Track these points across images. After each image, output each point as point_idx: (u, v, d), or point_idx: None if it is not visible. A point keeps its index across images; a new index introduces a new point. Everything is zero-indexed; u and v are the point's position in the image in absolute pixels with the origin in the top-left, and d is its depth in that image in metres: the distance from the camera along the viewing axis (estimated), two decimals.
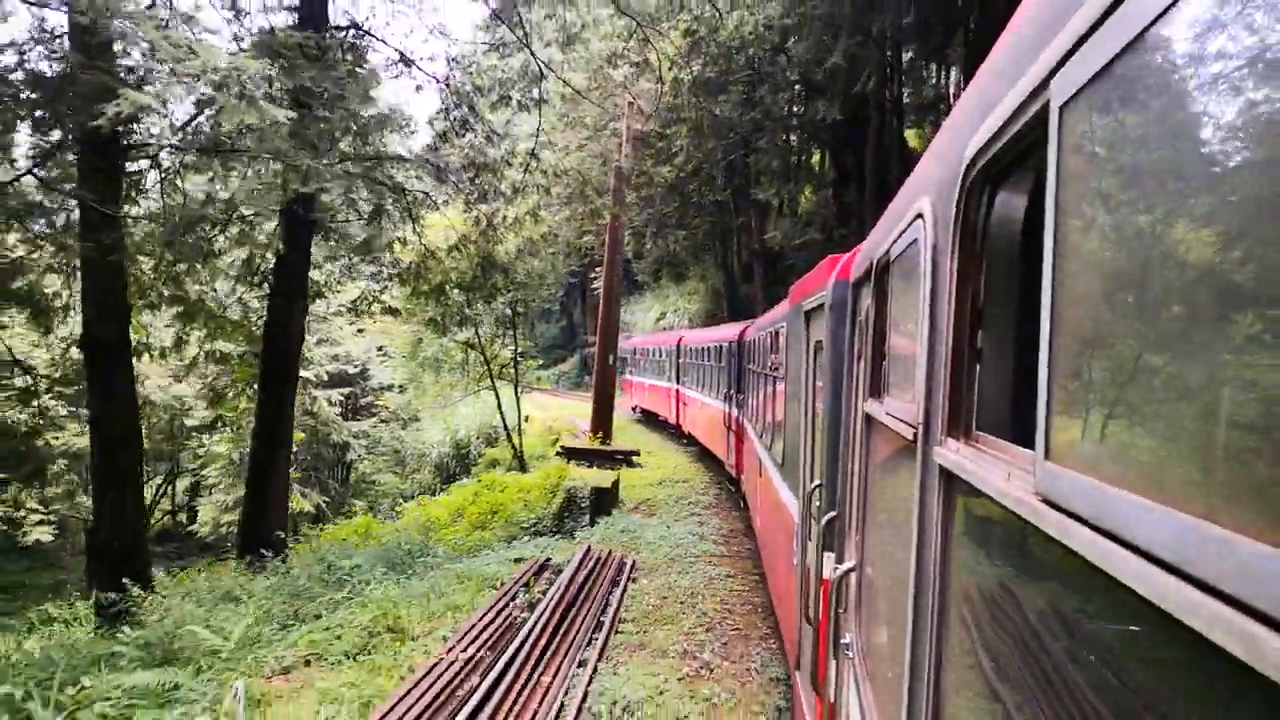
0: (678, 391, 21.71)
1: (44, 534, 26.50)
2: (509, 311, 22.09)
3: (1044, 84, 1.10)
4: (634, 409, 30.88)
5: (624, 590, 8.44)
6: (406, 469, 30.48)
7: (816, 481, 4.80)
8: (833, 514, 4.09)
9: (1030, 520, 1.04)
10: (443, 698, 5.74)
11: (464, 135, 16.24)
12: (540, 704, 5.71)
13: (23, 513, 25.93)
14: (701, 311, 35.26)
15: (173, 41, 7.91)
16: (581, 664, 6.49)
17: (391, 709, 5.50)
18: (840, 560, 3.78)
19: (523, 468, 21.60)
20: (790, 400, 6.52)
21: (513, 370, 23.68)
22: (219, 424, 22.64)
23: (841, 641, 3.27)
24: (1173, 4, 0.76)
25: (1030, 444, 1.10)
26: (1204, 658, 0.64)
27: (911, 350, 2.01)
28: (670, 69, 19.92)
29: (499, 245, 17.51)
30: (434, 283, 17.13)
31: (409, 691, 5.77)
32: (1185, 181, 0.79)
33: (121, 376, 12.17)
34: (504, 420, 22.70)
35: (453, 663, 6.27)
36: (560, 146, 21.00)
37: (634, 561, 9.64)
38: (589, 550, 9.67)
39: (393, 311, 19.19)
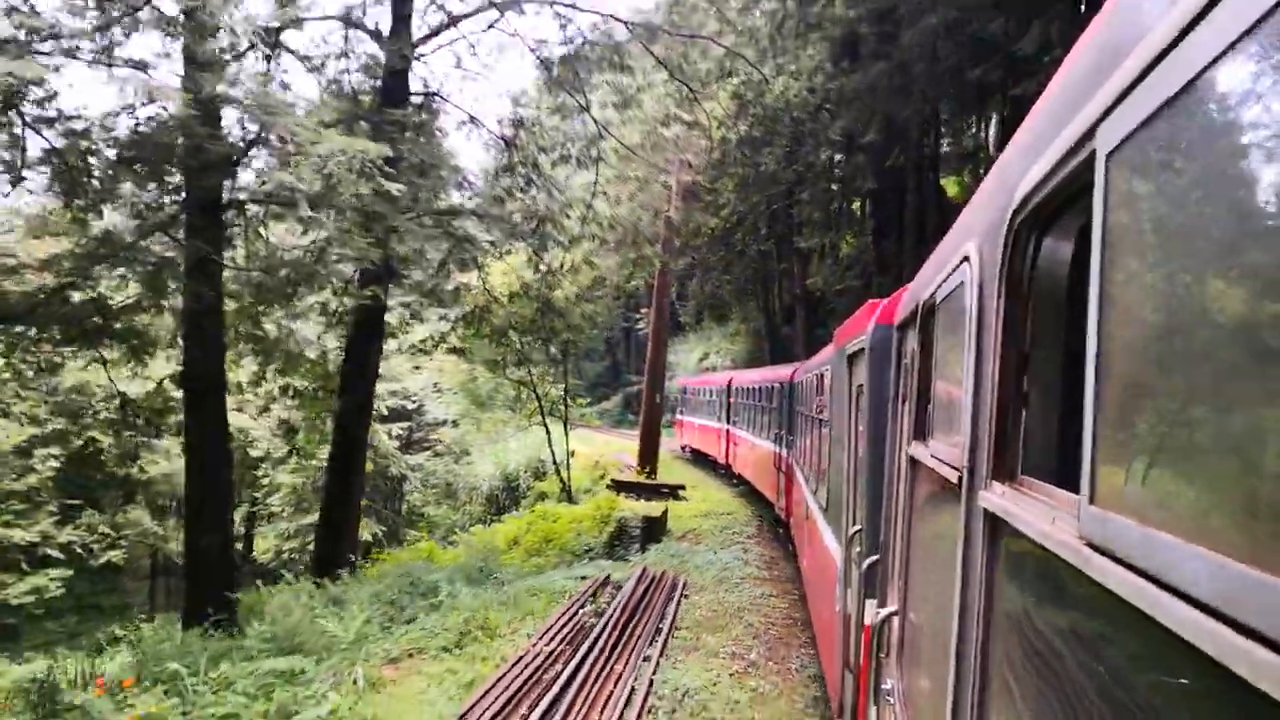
0: (728, 432, 21.70)
1: (117, 557, 28.10)
2: (559, 352, 23.42)
3: (1090, 132, 1.12)
4: (683, 448, 30.72)
5: (678, 604, 9.49)
6: (459, 501, 31.70)
7: (857, 526, 4.84)
8: (875, 558, 4.10)
9: (1074, 564, 1.06)
10: (533, 680, 6.85)
11: (528, 190, 17.69)
12: (615, 687, 6.79)
13: (94, 536, 27.57)
14: (743, 353, 36.35)
15: (304, 126, 9.37)
16: (646, 659, 7.56)
17: (491, 688, 6.61)
18: (882, 605, 3.78)
19: (570, 500, 22.70)
20: (835, 444, 6.60)
21: (562, 407, 24.94)
22: (291, 455, 24.14)
23: (883, 688, 3.24)
24: (1219, 58, 0.78)
25: (1075, 488, 1.11)
26: (1250, 704, 0.64)
27: (957, 392, 2.02)
28: (719, 128, 21.29)
29: (557, 290, 18.88)
30: (494, 325, 18.51)
31: (504, 675, 6.88)
32: (1230, 233, 0.81)
33: (217, 409, 13.50)
34: (553, 455, 23.88)
35: (538, 654, 7.38)
36: (612, 198, 22.41)
37: (685, 581, 10.68)
38: (645, 570, 10.74)
39: (457, 351, 20.57)
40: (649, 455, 22.88)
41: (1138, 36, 0.97)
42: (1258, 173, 0.77)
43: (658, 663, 7.44)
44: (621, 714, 6.25)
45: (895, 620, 3.18)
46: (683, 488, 19.84)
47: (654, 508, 15.55)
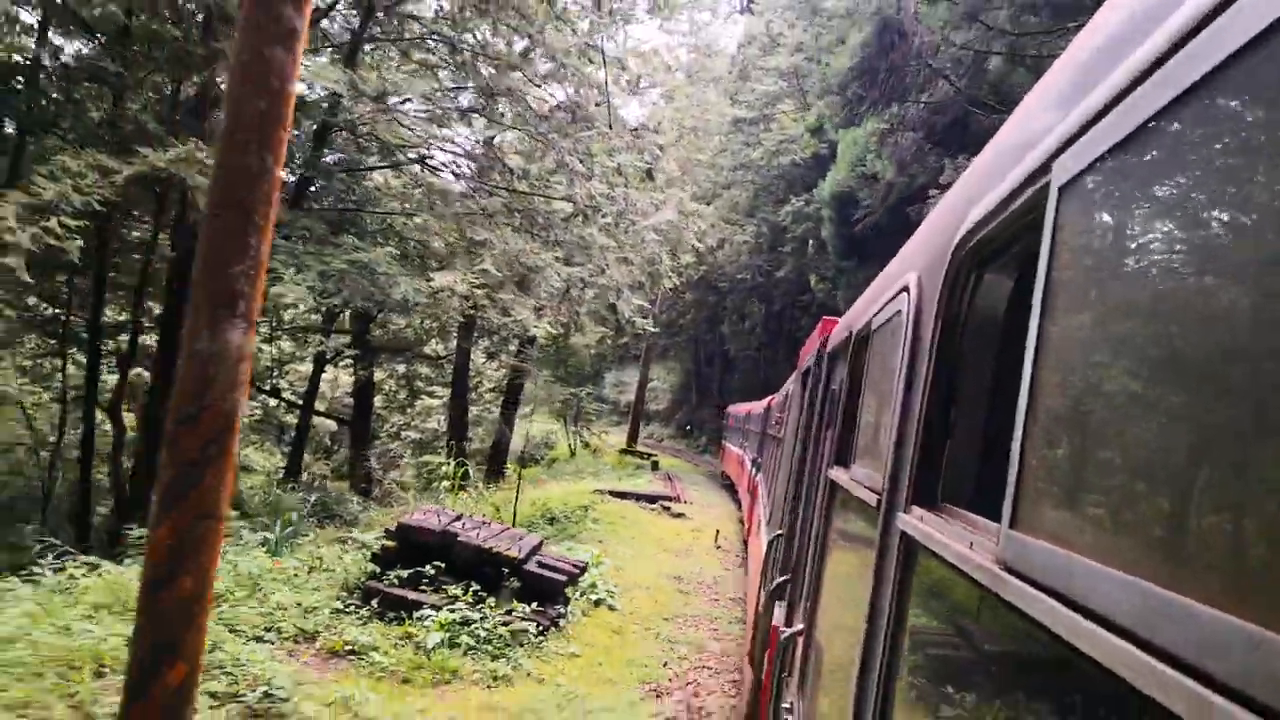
0: (752, 459, 19.57)
1: None
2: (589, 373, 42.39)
3: (1045, 165, 1.14)
4: (723, 475, 30.67)
5: (678, 480, 28.76)
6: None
7: (777, 531, 5.04)
8: (784, 578, 4.17)
9: (990, 586, 1.06)
10: (657, 479, 26.07)
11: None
12: (673, 488, 26.03)
13: None
14: (676, 385, 55.91)
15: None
16: (677, 482, 26.82)
17: (650, 483, 25.79)
18: (789, 624, 3.82)
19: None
20: (782, 459, 7.04)
21: (575, 405, 43.75)
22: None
23: (783, 706, 3.24)
24: (1179, 98, 0.79)
25: (994, 516, 1.11)
26: None
27: (883, 418, 2.03)
28: (687, 268, 40.82)
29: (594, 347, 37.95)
30: (567, 363, 37.54)
31: (651, 480, 26.09)
32: (1170, 272, 0.84)
33: (464, 375, 31.88)
34: (568, 432, 42.49)
35: (651, 479, 26.57)
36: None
37: (679, 477, 29.94)
38: (663, 472, 29.98)
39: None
40: (634, 437, 42.19)
41: (1103, 71, 0.98)
42: (1208, 217, 0.79)
43: (680, 485, 26.63)
44: (677, 494, 25.36)
45: (800, 640, 3.18)
46: (655, 454, 38.82)
47: (650, 459, 34.77)
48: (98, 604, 7.00)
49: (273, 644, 7.27)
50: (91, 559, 8.09)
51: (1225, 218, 0.76)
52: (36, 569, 7.73)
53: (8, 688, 5.35)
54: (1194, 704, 0.59)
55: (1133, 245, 0.93)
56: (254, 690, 5.94)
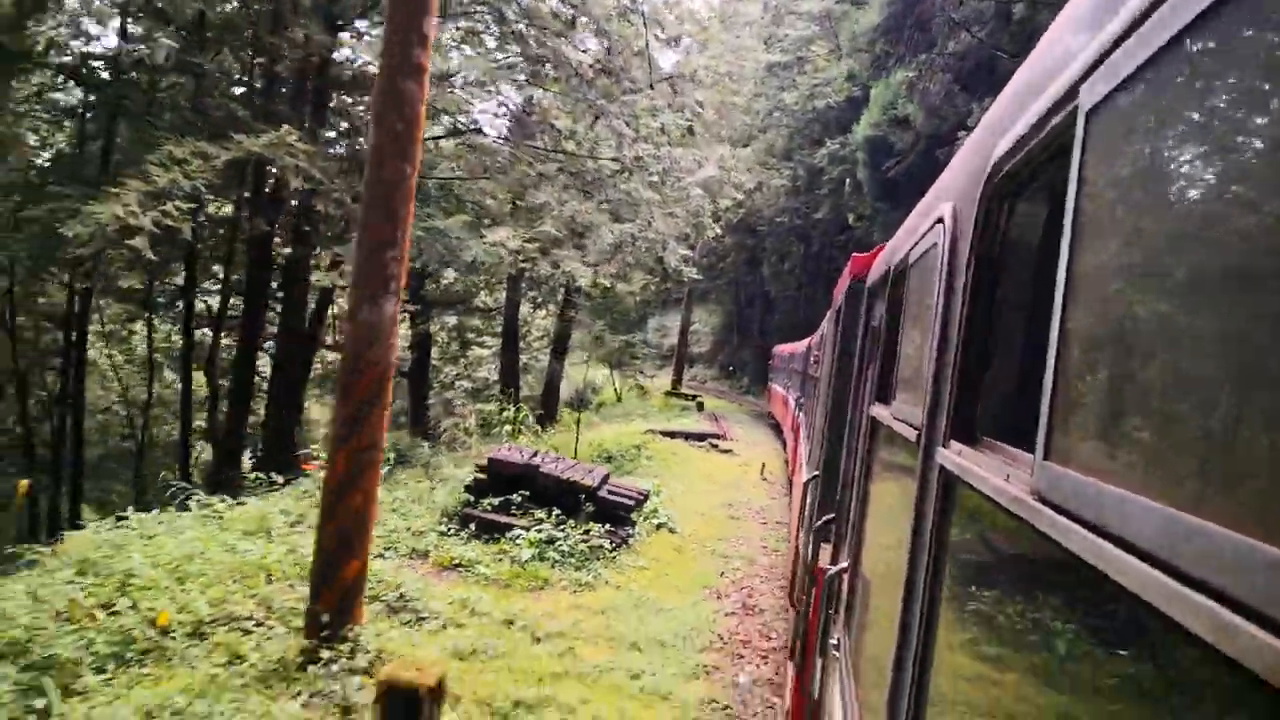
0: (795, 399, 19.92)
1: None
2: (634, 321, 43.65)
3: (1073, 90, 1.12)
4: (768, 415, 30.96)
5: (725, 421, 30.01)
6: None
7: (814, 472, 5.13)
8: (829, 516, 4.23)
9: (1025, 517, 1.07)
10: (704, 419, 27.40)
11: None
12: (717, 425, 27.29)
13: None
14: (717, 326, 56.91)
15: None
16: (723, 420, 28.04)
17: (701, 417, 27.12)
18: (834, 561, 3.89)
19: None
20: (819, 398, 7.33)
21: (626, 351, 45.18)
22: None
23: (830, 641, 3.29)
24: (1202, 15, 0.77)
25: (1032, 449, 1.11)
26: (1191, 651, 0.66)
27: (922, 354, 2.02)
28: (726, 212, 41.54)
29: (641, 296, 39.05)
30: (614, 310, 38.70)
31: (700, 416, 27.42)
32: (1202, 192, 0.82)
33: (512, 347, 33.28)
34: (614, 379, 44.00)
35: (701, 416, 27.88)
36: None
37: (724, 416, 31.18)
38: (710, 413, 31.24)
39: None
40: (678, 380, 43.45)
41: None
42: (1234, 137, 0.77)
43: (726, 424, 27.88)
44: (724, 432, 26.63)
45: (845, 577, 3.23)
46: (700, 396, 40.18)
47: (695, 400, 36.07)
48: (245, 531, 8.44)
49: (393, 560, 8.70)
50: (224, 496, 9.57)
51: (1258, 136, 0.73)
52: (189, 504, 9.17)
53: (204, 590, 6.76)
54: (1216, 626, 0.60)
55: (1162, 169, 0.92)
56: (392, 592, 7.34)
